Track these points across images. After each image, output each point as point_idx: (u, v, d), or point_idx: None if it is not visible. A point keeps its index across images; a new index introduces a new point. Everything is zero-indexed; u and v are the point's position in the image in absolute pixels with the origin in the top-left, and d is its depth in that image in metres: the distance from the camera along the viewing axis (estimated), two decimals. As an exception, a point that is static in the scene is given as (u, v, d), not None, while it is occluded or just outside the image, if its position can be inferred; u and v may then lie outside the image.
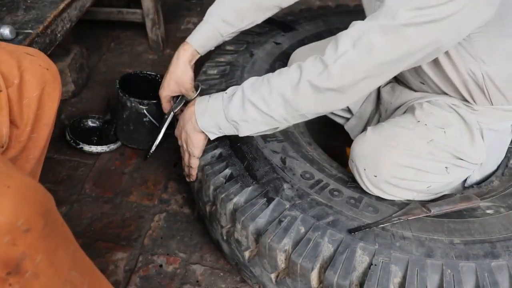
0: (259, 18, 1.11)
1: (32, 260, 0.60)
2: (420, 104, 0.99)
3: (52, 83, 0.88)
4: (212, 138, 0.97)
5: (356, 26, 0.80)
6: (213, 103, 0.93)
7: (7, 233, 0.57)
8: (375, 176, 0.91)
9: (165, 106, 1.14)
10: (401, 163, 0.91)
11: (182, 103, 1.12)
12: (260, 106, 0.86)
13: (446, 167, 0.93)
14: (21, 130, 0.84)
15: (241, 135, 0.93)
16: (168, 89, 1.10)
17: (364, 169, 0.92)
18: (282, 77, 0.85)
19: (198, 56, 1.08)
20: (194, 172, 1.05)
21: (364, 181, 0.93)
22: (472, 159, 0.95)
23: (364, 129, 1.18)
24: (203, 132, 0.97)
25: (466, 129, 0.95)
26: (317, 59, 0.83)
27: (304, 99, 0.84)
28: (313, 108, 0.86)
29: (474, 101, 0.95)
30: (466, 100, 0.96)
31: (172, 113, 1.13)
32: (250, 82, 0.90)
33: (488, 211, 0.92)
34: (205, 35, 1.07)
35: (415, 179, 0.92)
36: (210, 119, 0.93)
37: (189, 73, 1.07)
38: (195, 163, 1.03)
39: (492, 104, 0.95)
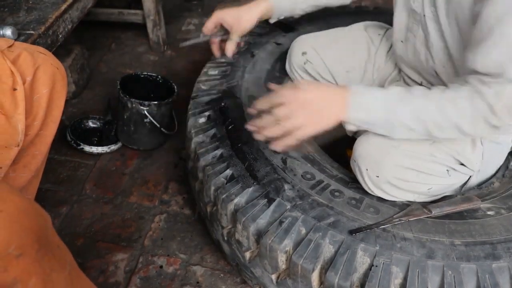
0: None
1: (24, 285, 0.59)
2: None
3: (61, 82, 0.90)
4: (350, 129, 0.88)
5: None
6: (373, 102, 0.84)
7: None
8: (377, 177, 0.91)
9: (209, 26, 1.08)
10: (403, 165, 0.90)
11: (222, 34, 1.10)
12: (430, 128, 0.82)
13: (447, 170, 0.93)
14: (28, 124, 0.85)
15: (394, 137, 0.88)
16: (226, 16, 1.05)
17: (366, 169, 0.92)
18: (457, 108, 0.79)
19: (266, 16, 1.08)
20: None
21: (365, 181, 0.93)
22: (471, 165, 0.95)
23: None
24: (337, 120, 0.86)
25: None
26: (481, 98, 0.77)
27: (479, 132, 0.82)
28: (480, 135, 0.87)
29: None
30: None
31: (208, 37, 1.09)
32: (421, 100, 0.82)
33: (488, 213, 0.92)
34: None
35: (416, 180, 0.92)
36: (364, 114, 0.84)
37: (252, 23, 1.06)
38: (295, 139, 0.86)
39: None
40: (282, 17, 1.14)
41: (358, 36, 1.18)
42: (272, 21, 1.14)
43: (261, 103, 0.86)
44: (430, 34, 0.93)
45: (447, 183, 0.96)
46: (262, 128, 0.86)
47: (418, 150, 0.91)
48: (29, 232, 0.59)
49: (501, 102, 0.75)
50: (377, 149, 0.91)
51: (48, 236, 0.64)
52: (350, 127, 0.88)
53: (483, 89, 0.76)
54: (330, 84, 0.93)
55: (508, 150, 1.03)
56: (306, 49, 1.18)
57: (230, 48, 1.07)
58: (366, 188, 0.94)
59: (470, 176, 0.98)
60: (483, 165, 0.97)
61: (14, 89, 0.81)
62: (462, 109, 0.79)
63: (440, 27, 0.89)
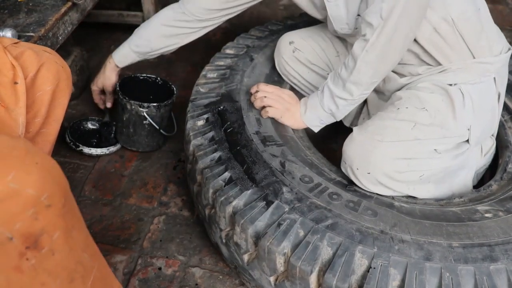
0: (168, 46, 1.31)
1: (49, 236, 0.62)
2: (397, 95, 1.03)
3: (65, 81, 0.91)
4: (316, 131, 1.12)
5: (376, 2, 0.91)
6: (311, 102, 1.09)
7: (32, 206, 0.59)
8: (368, 173, 0.94)
9: (96, 97, 1.47)
10: (391, 156, 0.93)
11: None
12: (343, 96, 1.02)
13: (435, 149, 0.96)
14: (29, 120, 0.85)
15: (338, 119, 1.09)
16: (96, 86, 1.44)
17: (357, 168, 0.95)
18: (347, 69, 0.99)
19: (119, 68, 1.38)
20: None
21: (360, 180, 0.96)
22: (456, 132, 0.97)
23: (359, 114, 1.23)
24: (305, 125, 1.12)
25: (447, 99, 0.98)
26: (360, 40, 0.95)
27: (366, 75, 0.97)
28: (377, 75, 0.99)
29: (452, 60, 1.00)
30: (440, 64, 1.01)
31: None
32: (332, 79, 1.04)
33: (486, 215, 0.93)
34: (123, 54, 1.34)
35: (408, 169, 0.94)
36: (311, 114, 1.09)
37: (113, 80, 1.40)
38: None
39: (465, 59, 0.99)
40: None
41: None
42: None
43: (253, 88, 1.15)
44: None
45: (441, 165, 0.97)
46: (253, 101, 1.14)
47: (402, 137, 0.94)
48: (57, 185, 0.64)
49: (375, 33, 0.91)
50: (362, 147, 0.95)
51: (70, 196, 0.69)
52: (315, 129, 1.12)
53: (366, 30, 0.94)
54: (296, 104, 1.13)
55: (494, 89, 1.05)
56: (293, 38, 1.22)
57: (110, 100, 1.47)
58: (363, 187, 0.96)
59: (468, 139, 1.00)
60: (475, 112, 0.99)
61: (15, 83, 0.82)
62: (347, 67, 0.98)
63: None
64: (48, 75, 0.87)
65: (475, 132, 1.00)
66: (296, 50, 1.21)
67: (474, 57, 1.00)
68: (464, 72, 1.00)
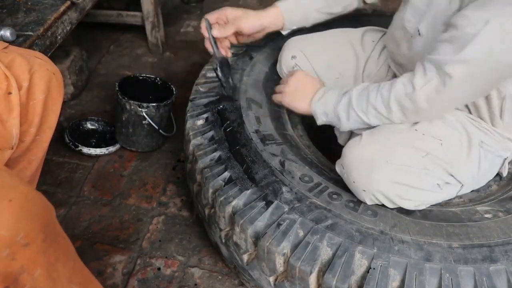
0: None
1: (30, 274, 0.60)
2: None
3: (57, 88, 0.90)
4: (318, 123, 1.06)
5: (440, 55, 0.82)
6: (329, 95, 1.03)
7: (7, 248, 0.57)
8: (364, 191, 0.90)
9: (211, 17, 1.06)
10: (394, 180, 0.88)
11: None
12: (360, 115, 0.96)
13: (438, 184, 0.91)
14: (24, 130, 0.85)
15: (341, 129, 1.03)
16: (228, 11, 1.05)
17: (353, 182, 0.90)
18: (378, 94, 0.93)
19: (275, 26, 1.09)
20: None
21: (351, 187, 0.93)
22: (462, 177, 0.93)
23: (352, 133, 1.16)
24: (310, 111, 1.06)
25: (466, 141, 0.93)
26: (408, 80, 0.88)
27: (395, 117, 0.92)
28: (402, 121, 0.93)
29: (482, 119, 0.95)
30: (473, 116, 0.96)
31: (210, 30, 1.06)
32: (357, 92, 0.97)
33: (486, 216, 0.93)
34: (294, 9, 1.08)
35: (406, 197, 0.90)
36: (321, 106, 1.03)
37: (251, 28, 1.05)
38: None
39: (499, 127, 0.95)
40: (294, 27, 1.13)
41: (347, 43, 1.18)
42: (284, 32, 1.13)
43: (278, 87, 1.13)
44: (415, 44, 0.98)
45: (437, 199, 0.94)
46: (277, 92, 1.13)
47: (411, 163, 0.88)
48: (36, 221, 0.61)
49: (424, 87, 0.84)
50: (366, 163, 0.89)
51: (54, 226, 0.66)
52: (318, 121, 1.05)
53: (417, 73, 0.86)
54: (314, 81, 1.08)
55: (500, 164, 1.02)
56: (295, 53, 1.17)
57: (208, 44, 1.08)
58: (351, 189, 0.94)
59: (462, 185, 0.96)
60: (479, 175, 0.96)
61: (9, 93, 0.81)
62: (380, 93, 0.91)
63: (422, 38, 0.95)
64: (40, 84, 0.86)
65: (464, 191, 0.99)
66: (296, 66, 1.17)
67: (499, 128, 0.96)
68: (486, 134, 0.96)
